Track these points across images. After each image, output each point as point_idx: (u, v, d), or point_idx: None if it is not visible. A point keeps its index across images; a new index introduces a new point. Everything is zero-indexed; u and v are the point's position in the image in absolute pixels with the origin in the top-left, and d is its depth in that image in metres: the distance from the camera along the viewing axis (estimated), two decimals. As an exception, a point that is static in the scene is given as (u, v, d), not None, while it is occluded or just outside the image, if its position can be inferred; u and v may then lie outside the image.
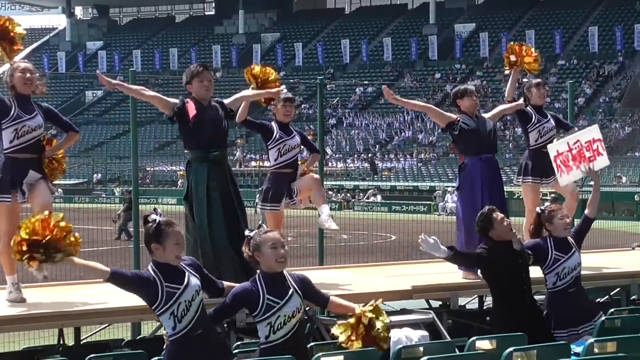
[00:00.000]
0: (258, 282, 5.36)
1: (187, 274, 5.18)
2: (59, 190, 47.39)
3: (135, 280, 5.12)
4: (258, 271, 5.44)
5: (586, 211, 7.18)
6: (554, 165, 8.17)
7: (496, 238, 6.47)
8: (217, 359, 5.20)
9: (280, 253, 5.34)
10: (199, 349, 5.10)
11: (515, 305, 6.42)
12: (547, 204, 7.27)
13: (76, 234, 5.51)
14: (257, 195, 8.42)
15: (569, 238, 6.90)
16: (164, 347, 5.21)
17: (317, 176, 8.25)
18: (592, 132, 8.21)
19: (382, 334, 5.43)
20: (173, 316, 5.08)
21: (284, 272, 5.44)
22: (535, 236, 6.95)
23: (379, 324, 5.41)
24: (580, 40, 61.60)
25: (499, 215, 6.50)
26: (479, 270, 7.26)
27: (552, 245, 6.81)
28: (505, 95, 8.84)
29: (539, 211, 6.95)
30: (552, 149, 8.21)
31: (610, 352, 5.67)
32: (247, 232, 5.51)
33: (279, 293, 5.32)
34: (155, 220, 5.14)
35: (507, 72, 8.76)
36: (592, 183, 7.67)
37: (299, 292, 5.40)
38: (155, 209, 5.20)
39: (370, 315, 5.43)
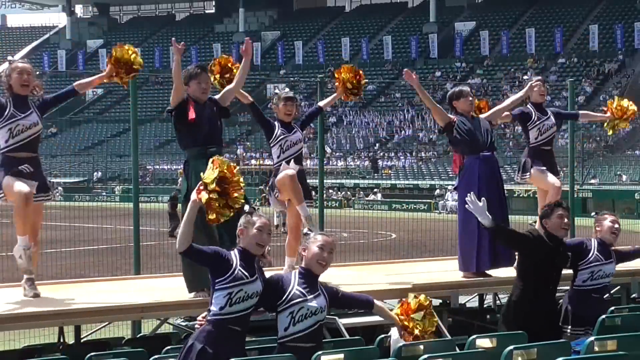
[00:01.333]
0: (293, 275, 5.51)
1: (257, 276, 5.32)
2: (59, 188, 47.45)
3: (213, 252, 5.27)
4: (298, 268, 5.57)
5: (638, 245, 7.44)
6: None
7: (548, 228, 6.53)
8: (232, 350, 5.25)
9: (323, 256, 5.47)
10: (226, 338, 5.18)
11: (535, 300, 6.40)
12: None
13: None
14: (267, 192, 8.32)
15: (612, 250, 7.02)
16: (198, 327, 5.32)
17: (292, 172, 7.71)
18: None
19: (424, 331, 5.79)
20: (228, 298, 5.17)
21: (319, 279, 5.53)
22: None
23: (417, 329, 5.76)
24: (581, 38, 61.59)
25: (563, 212, 6.49)
26: (515, 254, 7.07)
27: (595, 246, 6.93)
28: (506, 104, 8.65)
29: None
30: None
31: (611, 351, 5.66)
32: (305, 230, 5.87)
33: (309, 289, 5.42)
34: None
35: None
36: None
37: (327, 298, 5.50)
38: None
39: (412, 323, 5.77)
